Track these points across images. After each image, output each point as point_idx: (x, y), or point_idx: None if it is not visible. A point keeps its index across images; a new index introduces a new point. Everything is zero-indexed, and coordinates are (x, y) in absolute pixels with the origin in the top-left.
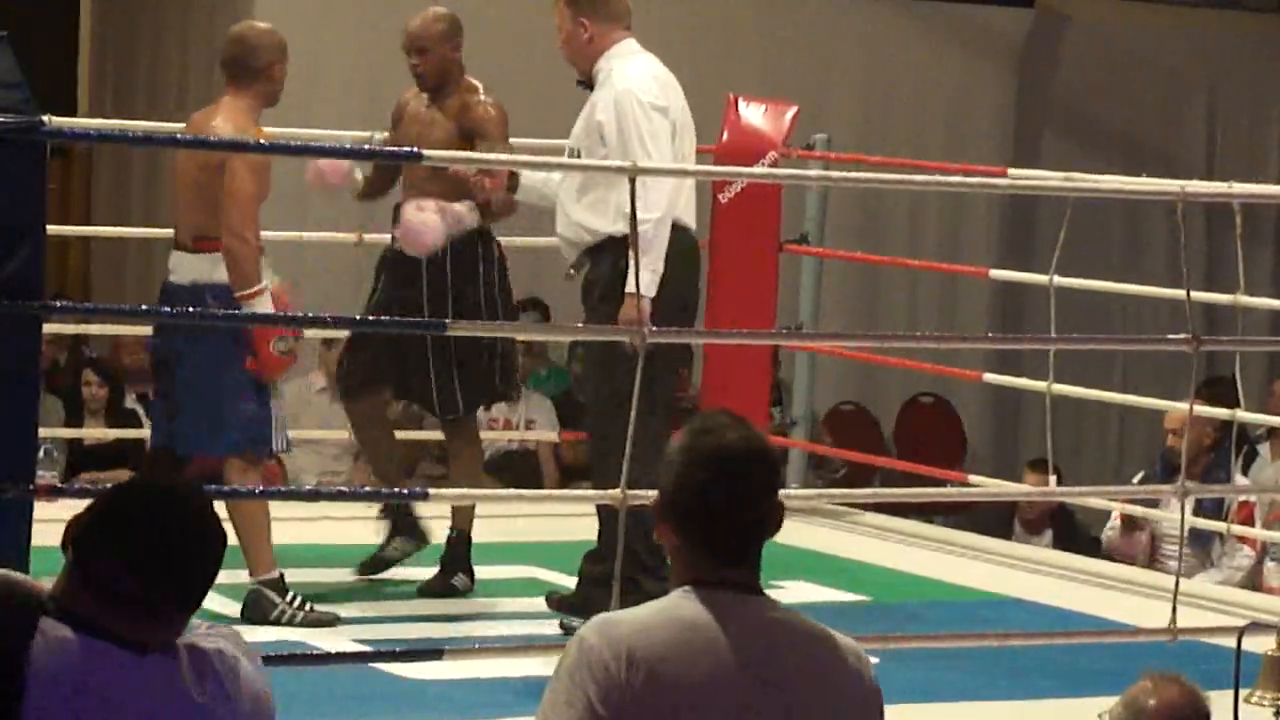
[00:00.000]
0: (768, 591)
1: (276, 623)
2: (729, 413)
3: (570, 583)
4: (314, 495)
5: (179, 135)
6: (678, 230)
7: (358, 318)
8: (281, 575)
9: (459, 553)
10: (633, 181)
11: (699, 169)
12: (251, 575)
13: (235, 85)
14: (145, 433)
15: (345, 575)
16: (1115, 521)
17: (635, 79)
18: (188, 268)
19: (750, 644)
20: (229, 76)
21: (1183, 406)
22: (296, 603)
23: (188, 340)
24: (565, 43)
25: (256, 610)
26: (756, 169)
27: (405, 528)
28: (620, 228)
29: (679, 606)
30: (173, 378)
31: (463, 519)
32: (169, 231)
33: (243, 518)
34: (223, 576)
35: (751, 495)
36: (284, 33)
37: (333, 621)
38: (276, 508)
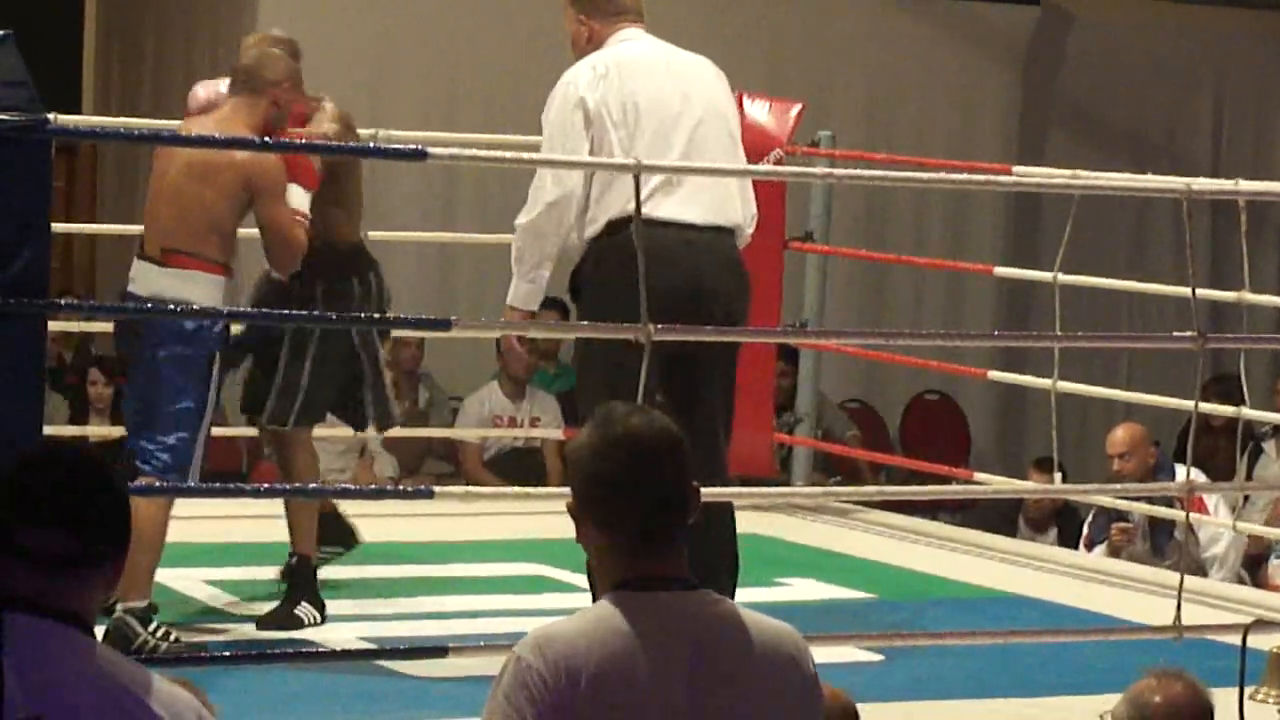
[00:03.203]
0: (771, 590)
1: (139, 653)
2: (628, 402)
3: (574, 580)
4: (317, 493)
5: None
6: (658, 226)
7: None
8: (150, 605)
9: (300, 580)
10: (636, 179)
11: (700, 167)
12: (121, 599)
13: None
14: None
15: (349, 571)
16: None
17: (575, 71)
18: (151, 280)
19: (690, 645)
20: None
21: (1188, 404)
22: (160, 633)
23: (146, 353)
24: (572, 44)
25: (119, 638)
26: (761, 166)
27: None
28: (589, 231)
29: (613, 614)
30: (134, 385)
31: (303, 542)
32: None
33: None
34: (224, 575)
35: (667, 477)
36: (286, 31)
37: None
38: (280, 505)
